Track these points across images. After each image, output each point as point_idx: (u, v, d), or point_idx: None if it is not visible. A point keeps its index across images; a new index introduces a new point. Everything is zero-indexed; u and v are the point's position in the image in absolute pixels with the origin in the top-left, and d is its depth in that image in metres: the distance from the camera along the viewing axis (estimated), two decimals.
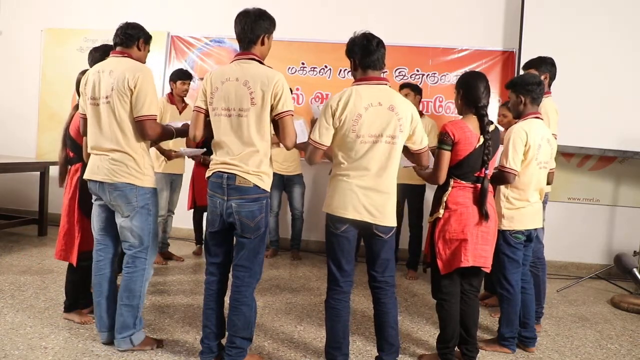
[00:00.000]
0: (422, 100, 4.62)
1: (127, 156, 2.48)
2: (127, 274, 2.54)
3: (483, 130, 2.45)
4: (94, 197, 2.62)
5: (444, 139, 2.46)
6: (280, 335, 2.94)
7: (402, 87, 4.38)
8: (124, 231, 2.54)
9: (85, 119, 2.58)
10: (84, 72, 2.86)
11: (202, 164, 4.30)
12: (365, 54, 2.32)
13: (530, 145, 2.68)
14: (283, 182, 4.70)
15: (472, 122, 2.48)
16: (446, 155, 2.46)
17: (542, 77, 3.19)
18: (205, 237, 2.50)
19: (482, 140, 2.44)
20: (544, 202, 3.15)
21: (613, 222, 4.96)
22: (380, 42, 2.35)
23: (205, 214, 4.50)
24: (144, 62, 2.65)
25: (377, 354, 2.46)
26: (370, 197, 2.29)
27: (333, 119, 2.29)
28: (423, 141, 2.41)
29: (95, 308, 2.64)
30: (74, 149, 2.88)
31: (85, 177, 2.58)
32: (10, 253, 4.32)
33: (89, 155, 2.70)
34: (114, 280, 2.68)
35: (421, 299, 3.82)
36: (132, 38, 2.55)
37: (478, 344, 2.76)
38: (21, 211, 5.46)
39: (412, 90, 4.33)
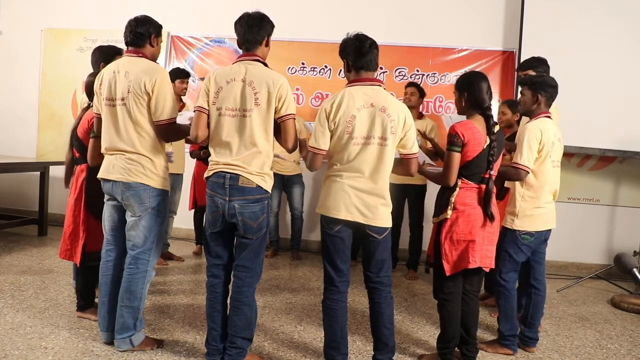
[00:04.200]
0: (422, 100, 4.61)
1: (144, 157, 2.48)
2: (128, 274, 2.53)
3: (489, 131, 2.44)
4: (106, 197, 2.61)
5: (454, 140, 2.43)
6: (280, 335, 2.94)
7: (409, 85, 4.40)
8: (130, 230, 2.54)
9: (100, 119, 2.57)
10: (93, 75, 2.86)
11: (201, 159, 4.31)
12: (358, 56, 2.32)
13: (545, 143, 2.69)
14: (283, 182, 4.70)
15: (479, 123, 2.47)
16: (456, 157, 2.44)
17: None
18: (206, 238, 2.48)
19: (488, 141, 2.44)
20: None
21: (613, 222, 4.96)
22: (373, 43, 2.35)
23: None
24: (157, 57, 2.64)
25: (373, 355, 2.47)
26: (362, 197, 2.29)
27: (328, 122, 2.30)
28: (414, 147, 2.39)
29: (100, 307, 2.64)
30: (81, 149, 2.88)
31: (99, 176, 2.57)
32: (10, 253, 4.32)
33: (95, 156, 2.70)
34: (120, 281, 2.68)
35: (421, 299, 3.82)
36: (143, 37, 2.52)
37: (478, 345, 2.77)
38: (21, 211, 5.46)
39: (418, 90, 4.37)
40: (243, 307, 2.39)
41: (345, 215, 2.30)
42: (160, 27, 2.61)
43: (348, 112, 2.27)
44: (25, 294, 3.31)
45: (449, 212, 2.46)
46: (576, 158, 4.91)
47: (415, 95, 4.32)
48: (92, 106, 2.84)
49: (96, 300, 3.01)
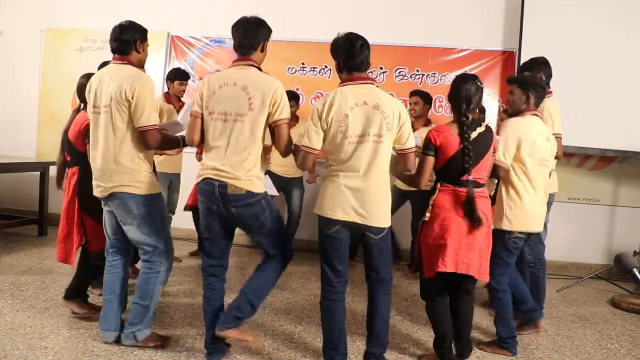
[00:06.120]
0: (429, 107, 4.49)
1: (124, 166, 2.48)
2: (142, 274, 2.58)
3: (462, 136, 2.40)
4: (102, 202, 2.62)
5: (427, 144, 2.46)
6: (280, 335, 2.94)
7: (412, 94, 4.28)
8: (132, 238, 2.56)
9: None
10: (85, 76, 2.86)
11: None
12: (349, 57, 2.32)
13: (522, 139, 2.66)
14: (282, 184, 4.68)
15: (454, 127, 2.46)
16: (428, 161, 2.45)
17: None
18: (201, 240, 2.49)
19: (461, 145, 2.40)
20: (549, 203, 3.13)
21: (613, 222, 4.96)
22: (364, 44, 2.33)
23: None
24: (145, 61, 2.64)
25: (365, 349, 2.47)
26: (358, 197, 2.29)
27: (320, 121, 2.30)
28: (409, 142, 2.38)
29: (104, 306, 2.64)
30: (71, 152, 2.88)
31: (94, 193, 2.59)
32: (10, 253, 4.32)
33: None
34: (127, 280, 2.70)
35: (421, 300, 3.80)
36: (128, 44, 2.52)
37: (479, 346, 2.82)
38: (21, 211, 5.45)
39: (422, 98, 4.23)
40: (266, 273, 2.44)
41: (341, 215, 2.30)
42: (145, 31, 2.59)
43: (340, 111, 2.27)
44: (25, 294, 3.31)
45: (427, 214, 2.47)
46: (576, 158, 4.90)
47: (418, 104, 4.19)
48: (82, 108, 2.87)
49: (96, 299, 3.02)
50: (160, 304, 3.30)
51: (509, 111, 2.90)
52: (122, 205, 2.49)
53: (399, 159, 2.43)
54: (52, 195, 5.14)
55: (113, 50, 2.55)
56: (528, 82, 2.78)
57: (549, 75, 3.25)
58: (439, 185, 2.47)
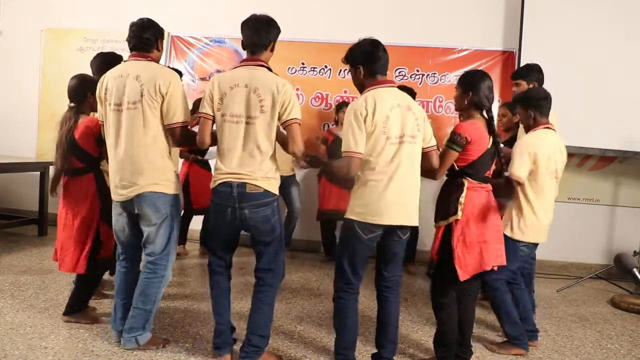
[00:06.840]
0: (422, 100, 4.67)
1: (152, 164, 2.44)
2: (145, 278, 2.54)
3: (493, 132, 2.44)
4: (120, 206, 2.55)
5: (456, 139, 2.41)
6: (280, 336, 2.94)
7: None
8: (149, 238, 2.52)
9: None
10: (76, 77, 2.79)
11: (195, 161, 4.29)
12: (373, 61, 2.33)
13: (538, 154, 2.70)
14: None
15: (482, 123, 2.47)
16: (453, 155, 2.43)
17: (531, 85, 3.31)
18: (210, 239, 2.52)
19: (491, 141, 2.46)
20: None
21: (613, 222, 4.96)
22: (384, 47, 2.38)
23: (194, 217, 4.51)
24: (160, 58, 2.63)
25: (376, 351, 2.48)
26: (399, 200, 2.29)
27: (365, 123, 2.25)
28: (432, 140, 2.41)
29: (117, 308, 2.62)
30: (84, 159, 2.75)
31: (113, 198, 2.54)
32: (10, 253, 4.32)
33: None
34: (136, 282, 2.65)
35: (421, 299, 3.81)
36: (150, 42, 2.50)
37: (490, 346, 2.88)
38: (21, 211, 5.45)
39: (405, 91, 4.29)
40: (264, 306, 2.43)
41: (388, 220, 2.27)
42: (162, 30, 2.59)
43: (383, 112, 2.26)
44: (25, 294, 3.31)
45: (459, 213, 2.41)
46: (576, 158, 4.90)
47: None
48: (72, 108, 2.76)
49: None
50: (160, 304, 3.28)
51: (524, 127, 2.95)
52: (151, 205, 2.45)
53: (423, 158, 2.42)
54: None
55: (132, 48, 2.51)
56: (525, 100, 2.85)
57: (541, 83, 3.33)
58: (466, 183, 2.43)
